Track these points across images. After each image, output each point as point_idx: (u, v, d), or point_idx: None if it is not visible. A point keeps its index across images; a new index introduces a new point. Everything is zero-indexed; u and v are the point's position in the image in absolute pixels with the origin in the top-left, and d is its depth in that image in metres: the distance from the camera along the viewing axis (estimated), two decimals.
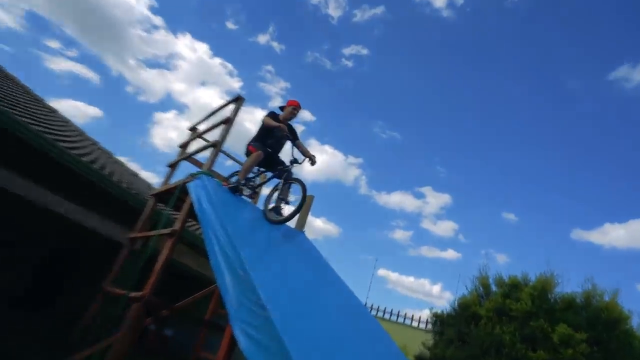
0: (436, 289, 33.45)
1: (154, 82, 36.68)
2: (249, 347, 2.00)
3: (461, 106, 33.71)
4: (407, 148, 36.26)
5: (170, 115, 39.72)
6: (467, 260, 33.04)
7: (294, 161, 4.33)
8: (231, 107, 4.60)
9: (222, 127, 4.52)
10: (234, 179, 4.51)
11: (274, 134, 4.54)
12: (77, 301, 7.97)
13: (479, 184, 34.15)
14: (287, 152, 5.32)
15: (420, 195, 37.24)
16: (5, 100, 4.91)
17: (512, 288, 4.09)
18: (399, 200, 37.57)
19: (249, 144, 4.56)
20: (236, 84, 37.35)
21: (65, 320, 7.31)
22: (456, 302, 4.24)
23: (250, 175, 4.51)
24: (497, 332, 3.51)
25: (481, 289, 4.30)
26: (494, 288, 4.27)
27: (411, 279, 34.55)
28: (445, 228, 36.66)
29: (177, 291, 8.28)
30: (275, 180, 4.44)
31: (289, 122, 4.72)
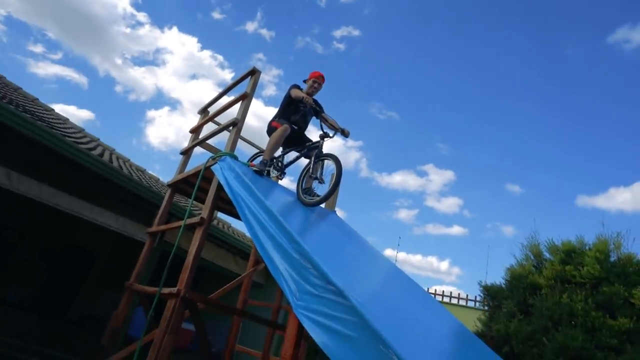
0: (444, 265, 33.41)
1: (143, 79, 35.63)
2: (330, 342, 1.68)
3: (456, 80, 33.00)
4: (406, 127, 35.56)
5: (162, 112, 38.76)
6: (474, 235, 32.86)
7: (324, 135, 3.93)
8: (247, 82, 4.19)
9: (238, 105, 4.13)
10: (257, 161, 4.14)
11: (299, 110, 4.17)
12: (99, 303, 7.70)
13: (482, 157, 33.70)
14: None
15: (422, 174, 36.69)
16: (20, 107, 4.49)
17: (568, 254, 3.80)
18: (401, 180, 37.08)
19: (271, 121, 4.17)
20: (228, 75, 36.38)
21: (89, 323, 7.04)
22: (508, 273, 3.95)
23: (277, 154, 4.14)
24: (565, 301, 3.22)
25: (532, 257, 4.02)
26: (547, 255, 3.99)
27: (419, 257, 34.43)
28: (450, 204, 36.29)
29: (196, 284, 7.97)
30: (304, 160, 4.09)
31: (313, 96, 4.36)
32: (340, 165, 3.53)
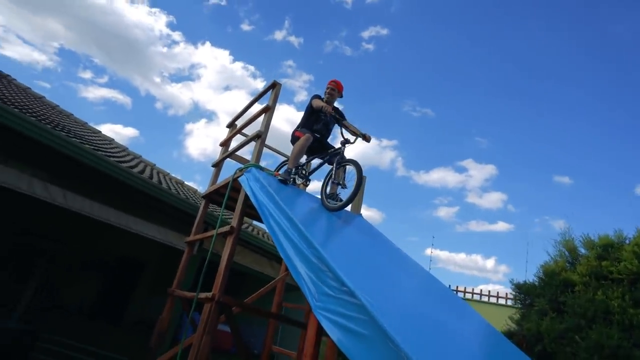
0: (490, 263, 32.08)
1: (181, 94, 37.69)
2: (345, 340, 1.79)
3: (493, 69, 31.68)
4: (441, 123, 34.70)
5: (200, 124, 40.80)
6: (520, 230, 31.31)
7: (346, 142, 4.04)
8: (268, 95, 4.40)
9: (262, 117, 4.34)
10: (283, 170, 4.33)
11: (320, 119, 4.31)
12: (149, 308, 8.25)
13: (525, 149, 32.03)
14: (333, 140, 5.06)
15: (461, 170, 35.52)
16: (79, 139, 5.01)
17: (605, 248, 3.64)
18: (439, 177, 36.17)
19: (294, 131, 4.35)
20: (260, 84, 37.66)
21: (140, 327, 7.58)
22: (541, 270, 3.84)
23: (301, 162, 4.30)
24: (599, 298, 3.10)
25: (567, 253, 3.87)
26: (582, 251, 3.82)
27: (462, 255, 33.25)
28: (493, 200, 34.82)
29: (232, 288, 8.30)
30: (328, 167, 4.22)
31: (332, 103, 4.49)
32: (361, 170, 3.64)
